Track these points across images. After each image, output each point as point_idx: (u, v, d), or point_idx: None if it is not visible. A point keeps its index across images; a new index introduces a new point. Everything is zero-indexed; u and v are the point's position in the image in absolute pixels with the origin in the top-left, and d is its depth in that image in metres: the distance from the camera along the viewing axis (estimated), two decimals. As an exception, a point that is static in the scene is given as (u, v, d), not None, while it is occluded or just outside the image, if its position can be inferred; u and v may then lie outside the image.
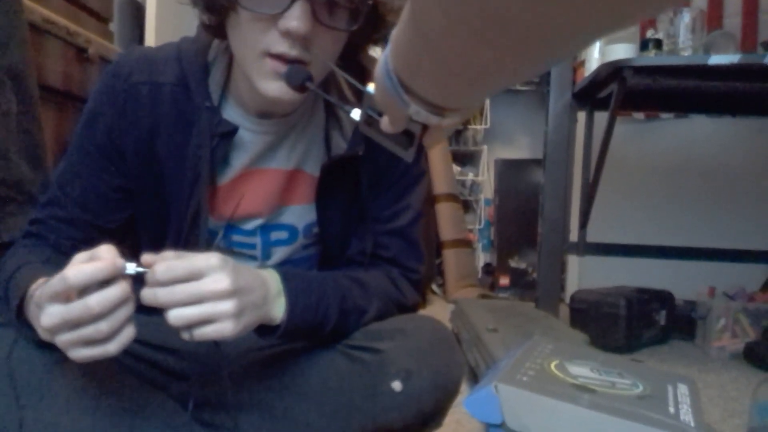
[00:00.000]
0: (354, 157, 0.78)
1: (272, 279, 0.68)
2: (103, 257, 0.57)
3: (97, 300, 0.54)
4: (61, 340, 0.56)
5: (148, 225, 0.80)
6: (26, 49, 1.23)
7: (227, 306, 0.59)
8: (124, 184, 0.77)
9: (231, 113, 0.76)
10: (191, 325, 0.58)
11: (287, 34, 0.64)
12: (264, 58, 0.66)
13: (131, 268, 0.57)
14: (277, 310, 0.67)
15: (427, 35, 0.31)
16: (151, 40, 1.85)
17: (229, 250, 0.82)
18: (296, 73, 0.65)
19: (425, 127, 0.50)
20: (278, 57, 0.65)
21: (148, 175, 0.76)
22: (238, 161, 0.78)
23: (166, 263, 0.58)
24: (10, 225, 1.05)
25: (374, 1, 0.65)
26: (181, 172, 0.75)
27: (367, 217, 0.82)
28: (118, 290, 0.55)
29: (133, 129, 0.75)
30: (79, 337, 0.55)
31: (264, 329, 0.67)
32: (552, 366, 0.77)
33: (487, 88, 0.37)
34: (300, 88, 0.66)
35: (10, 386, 0.63)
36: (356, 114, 0.56)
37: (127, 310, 0.57)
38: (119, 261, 0.56)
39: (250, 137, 0.77)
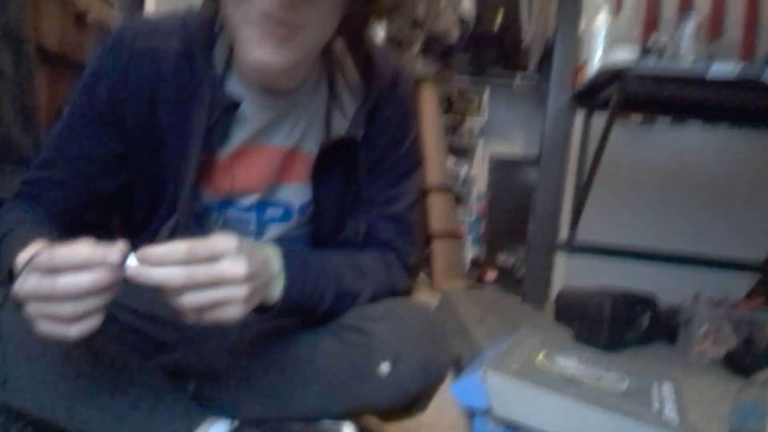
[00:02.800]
0: (353, 140, 0.77)
1: (274, 258, 0.67)
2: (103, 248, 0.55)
3: (64, 283, 0.53)
4: (28, 309, 0.55)
5: (142, 193, 0.79)
6: (24, 10, 1.21)
7: (241, 291, 0.58)
8: (122, 149, 0.76)
9: (234, 86, 0.76)
10: (203, 309, 0.57)
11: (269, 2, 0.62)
12: (251, 22, 0.64)
13: (134, 262, 0.55)
14: (276, 289, 0.67)
15: None
16: (150, 7, 1.82)
17: (224, 225, 0.82)
18: None
19: None
20: (266, 21, 0.63)
21: (147, 142, 0.75)
22: (239, 135, 0.77)
23: (182, 245, 0.56)
24: (2, 185, 1.04)
25: None
26: (180, 142, 0.74)
27: (362, 199, 0.82)
28: (90, 278, 0.53)
29: (134, 95, 0.74)
30: (42, 312, 0.54)
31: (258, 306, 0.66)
32: (540, 356, 0.78)
33: None
34: None
35: None
36: None
37: (97, 300, 0.55)
38: (113, 256, 0.54)
39: (251, 112, 0.76)
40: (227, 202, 0.80)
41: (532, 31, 3.10)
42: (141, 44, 0.74)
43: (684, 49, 1.70)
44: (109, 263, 0.54)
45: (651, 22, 2.73)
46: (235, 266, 0.57)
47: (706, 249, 2.23)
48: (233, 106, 0.74)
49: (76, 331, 0.55)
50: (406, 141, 0.83)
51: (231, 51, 0.76)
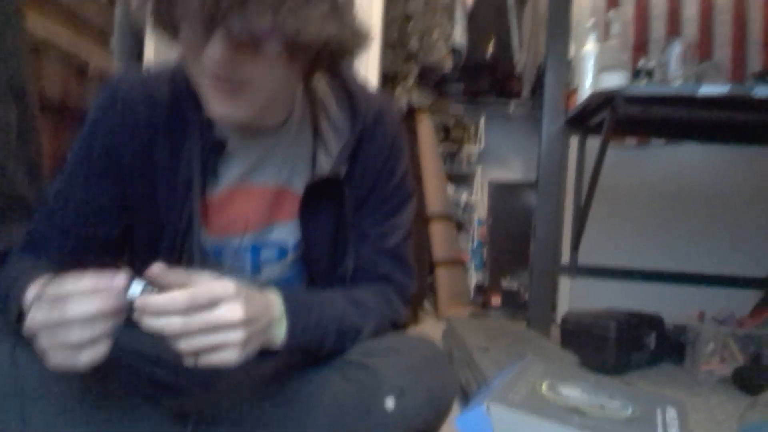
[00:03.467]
0: (338, 178, 0.79)
1: (276, 302, 0.69)
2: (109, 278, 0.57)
3: (73, 309, 0.55)
4: (39, 341, 0.57)
5: (142, 237, 0.81)
6: (27, 63, 1.25)
7: (236, 335, 0.59)
8: (121, 195, 0.79)
9: (219, 129, 0.78)
10: (199, 353, 0.59)
11: (210, 62, 0.64)
12: (204, 77, 0.67)
13: (138, 288, 0.57)
14: (279, 333, 0.68)
15: None
16: (150, 57, 1.87)
17: (220, 266, 0.84)
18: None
19: None
20: (214, 78, 0.66)
21: (144, 188, 0.78)
22: (227, 176, 0.79)
23: (183, 295, 0.57)
24: (7, 235, 1.06)
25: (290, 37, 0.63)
26: (174, 185, 0.77)
27: (351, 235, 0.83)
28: (97, 304, 0.56)
29: (130, 142, 0.77)
30: (52, 341, 0.56)
31: (262, 351, 0.67)
32: (543, 387, 0.78)
33: None
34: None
35: (15, 392, 0.63)
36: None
37: (104, 326, 0.57)
38: (118, 282, 0.57)
39: (238, 152, 0.79)
40: (222, 245, 0.82)
41: (523, 59, 3.15)
42: (135, 94, 0.77)
43: (672, 72, 1.73)
44: (115, 288, 0.56)
45: (640, 46, 2.78)
46: (231, 311, 0.59)
47: (708, 266, 2.23)
48: (220, 144, 0.77)
49: (85, 358, 0.57)
50: (394, 176, 0.84)
51: None
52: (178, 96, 0.77)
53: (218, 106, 0.68)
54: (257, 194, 0.81)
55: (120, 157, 0.77)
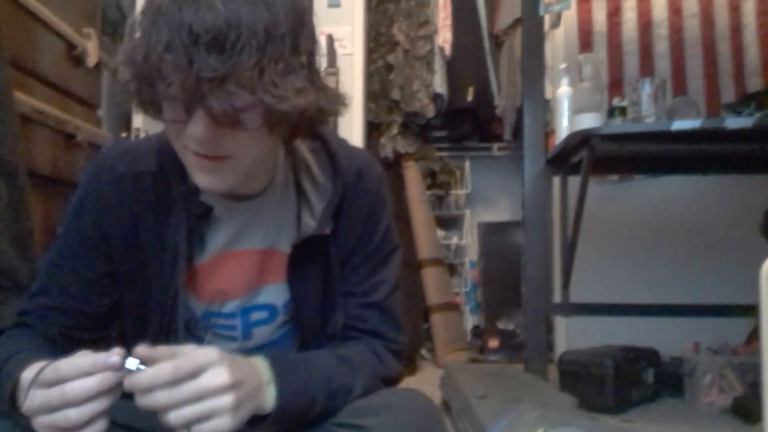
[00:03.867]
0: (324, 236, 0.81)
1: (262, 367, 0.69)
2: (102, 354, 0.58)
3: (72, 388, 0.56)
4: (37, 422, 0.58)
5: (132, 308, 0.82)
6: (16, 141, 1.28)
7: (226, 400, 0.59)
8: (110, 269, 0.80)
9: (206, 196, 0.80)
10: (190, 424, 0.59)
11: (193, 139, 0.67)
12: (187, 152, 0.69)
13: (132, 363, 0.58)
14: (268, 398, 0.68)
15: None
16: (138, 125, 1.91)
17: (210, 332, 0.84)
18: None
19: None
20: (197, 153, 0.68)
21: (133, 260, 0.80)
22: (214, 242, 0.81)
23: (166, 368, 0.58)
24: (0, 313, 1.06)
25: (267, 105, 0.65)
26: (162, 255, 0.79)
27: (340, 292, 0.84)
28: (96, 382, 0.57)
29: (118, 218, 0.79)
30: (50, 422, 0.57)
31: (253, 418, 0.68)
32: (536, 434, 0.79)
33: None
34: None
35: None
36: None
37: (102, 403, 0.58)
38: (114, 359, 0.58)
39: (223, 218, 0.81)
40: (212, 309, 0.83)
41: (503, 103, 3.23)
42: (120, 169, 0.80)
43: (645, 110, 1.78)
44: (111, 365, 0.58)
45: (616, 83, 2.86)
46: (217, 376, 0.59)
47: (700, 296, 2.24)
48: (206, 212, 0.79)
49: None
50: (377, 232, 0.86)
51: None
52: (165, 167, 0.79)
53: (202, 179, 0.70)
54: (245, 258, 0.83)
55: (108, 231, 0.79)
